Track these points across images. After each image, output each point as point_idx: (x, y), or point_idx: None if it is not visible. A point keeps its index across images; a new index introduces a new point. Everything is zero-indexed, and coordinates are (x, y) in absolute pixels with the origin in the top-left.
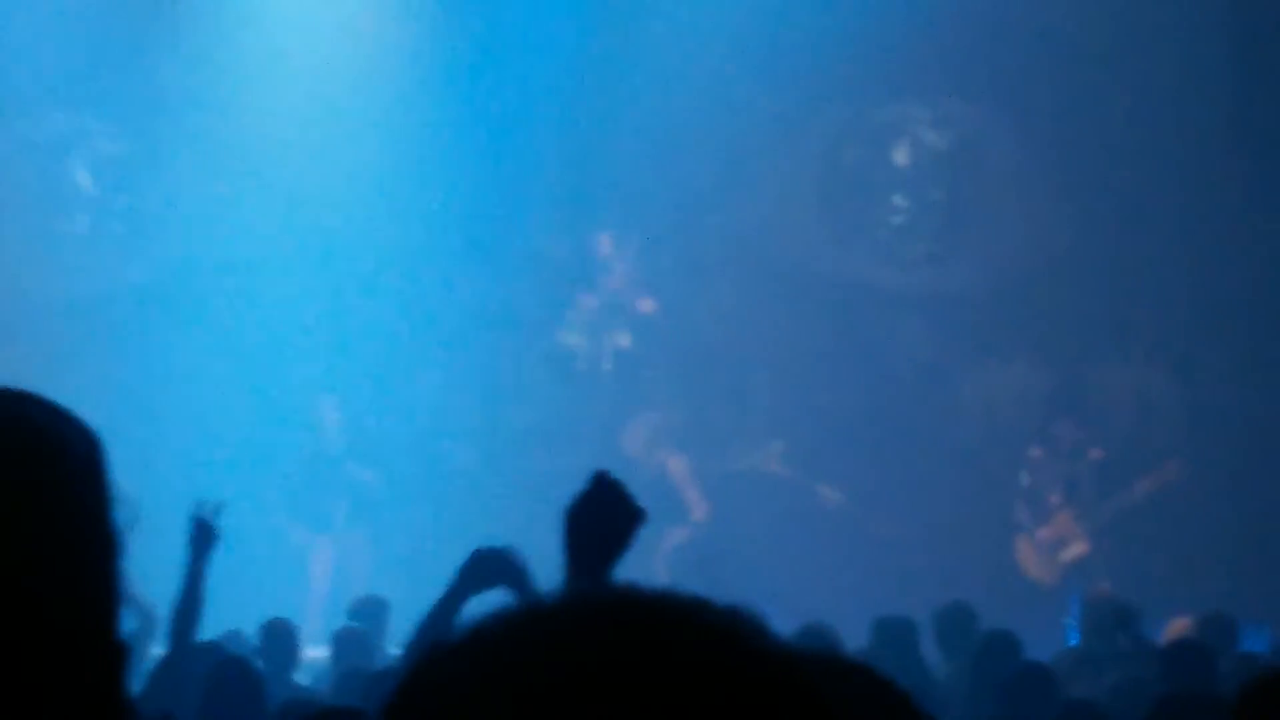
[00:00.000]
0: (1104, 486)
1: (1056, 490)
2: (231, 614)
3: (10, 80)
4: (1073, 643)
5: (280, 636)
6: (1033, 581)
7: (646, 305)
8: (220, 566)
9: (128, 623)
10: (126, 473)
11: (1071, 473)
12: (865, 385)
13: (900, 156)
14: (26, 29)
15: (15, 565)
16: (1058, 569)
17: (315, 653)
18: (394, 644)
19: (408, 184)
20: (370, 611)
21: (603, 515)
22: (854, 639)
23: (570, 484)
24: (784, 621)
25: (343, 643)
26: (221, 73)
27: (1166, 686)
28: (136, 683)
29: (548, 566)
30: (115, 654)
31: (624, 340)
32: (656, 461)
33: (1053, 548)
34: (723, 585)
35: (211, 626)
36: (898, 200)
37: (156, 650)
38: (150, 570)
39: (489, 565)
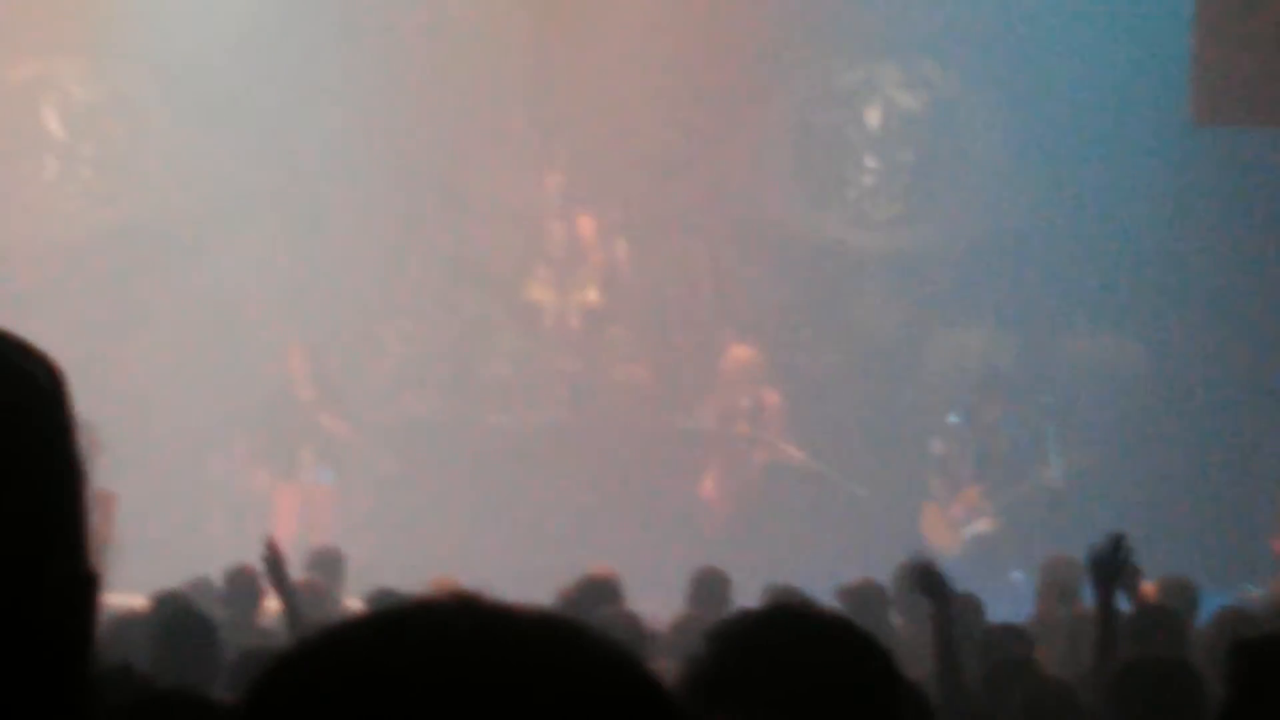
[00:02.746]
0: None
1: (968, 463)
2: (199, 560)
3: None
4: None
5: (243, 584)
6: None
7: (616, 262)
8: (186, 513)
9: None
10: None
11: (988, 445)
12: (834, 345)
13: (872, 117)
14: None
15: None
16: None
17: (273, 603)
18: (349, 596)
19: (379, 132)
20: (327, 563)
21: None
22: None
23: (536, 440)
24: (749, 580)
25: (299, 594)
26: (192, 17)
27: (1135, 651)
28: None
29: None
30: (83, 583)
31: (592, 296)
32: (623, 415)
33: (961, 521)
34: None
35: (176, 574)
36: (869, 161)
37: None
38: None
39: (923, 577)
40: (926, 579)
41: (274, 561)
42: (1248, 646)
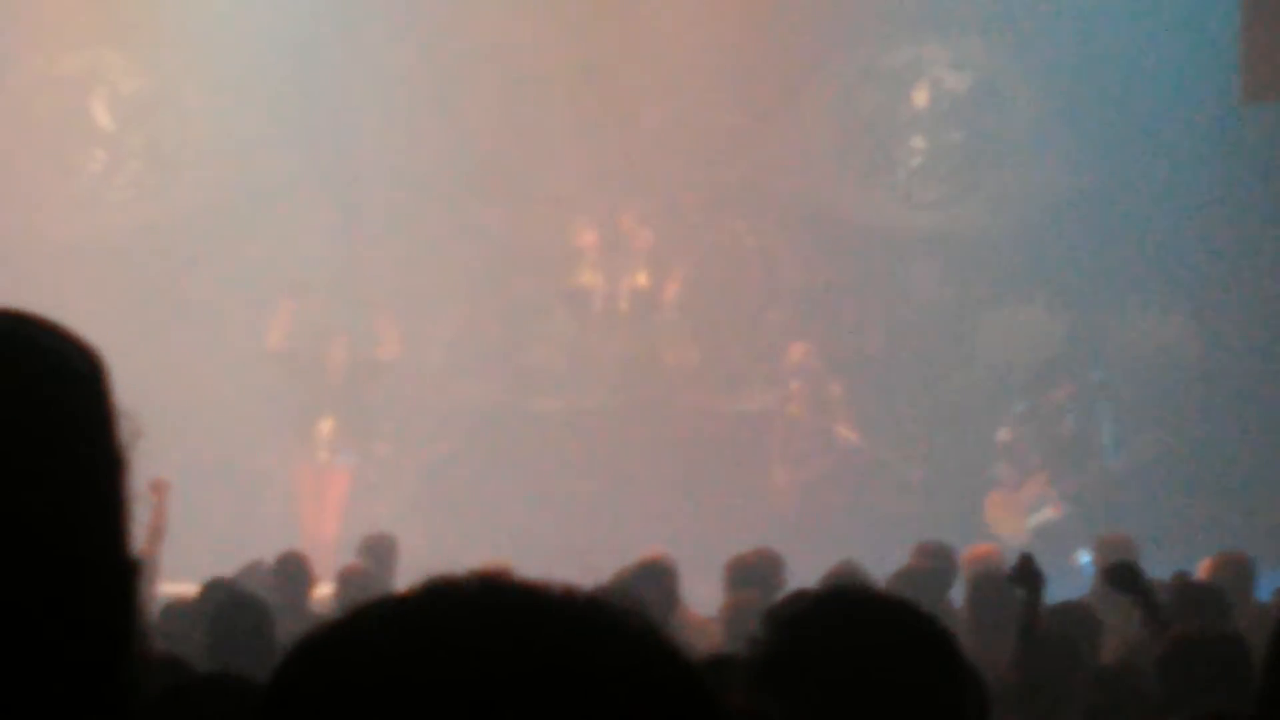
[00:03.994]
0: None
1: (1037, 448)
2: (251, 548)
3: (30, 17)
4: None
5: (294, 570)
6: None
7: (664, 246)
8: (236, 501)
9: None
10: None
11: (1055, 431)
12: (884, 327)
13: (919, 98)
14: None
15: (19, 481)
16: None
17: (324, 589)
18: (400, 582)
19: (429, 120)
20: (378, 549)
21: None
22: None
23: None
24: (802, 561)
25: (348, 581)
26: (238, 9)
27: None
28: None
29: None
30: (125, 570)
31: (641, 280)
32: (675, 399)
33: (1029, 508)
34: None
35: (227, 561)
36: (917, 142)
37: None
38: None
39: (1021, 566)
40: (1025, 569)
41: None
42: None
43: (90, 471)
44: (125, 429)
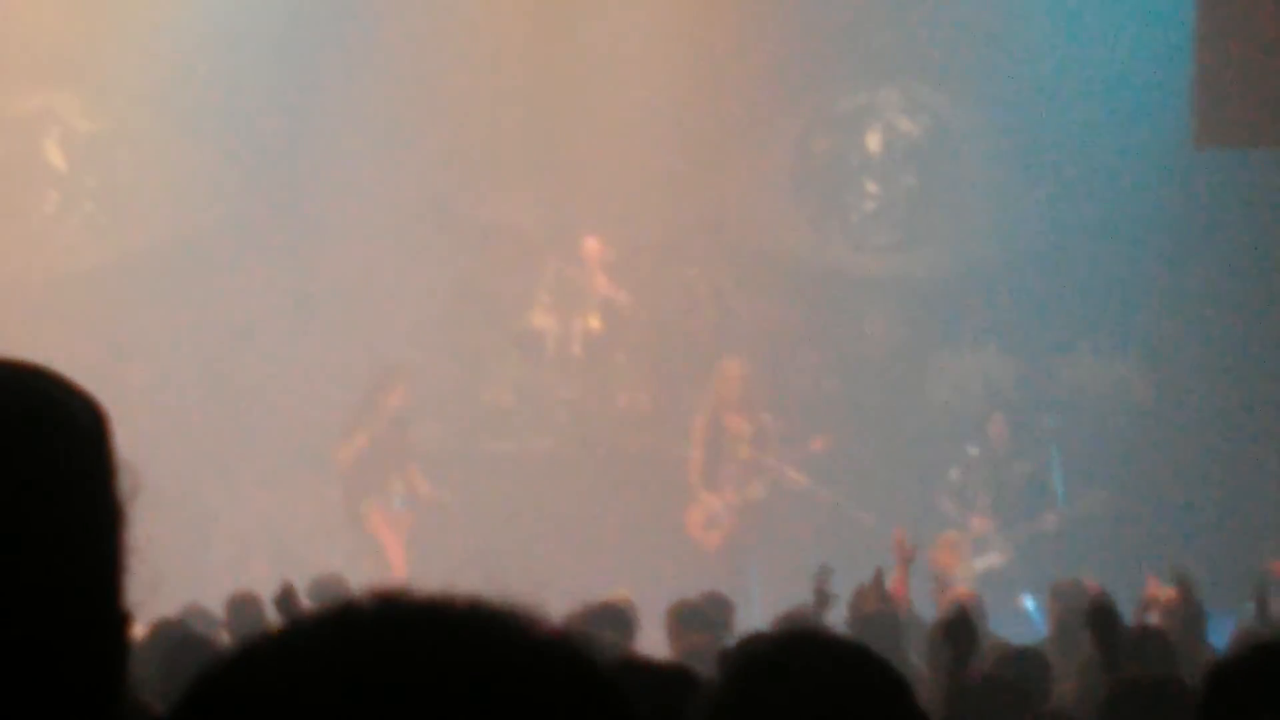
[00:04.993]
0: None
1: (986, 491)
2: (196, 588)
3: None
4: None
5: (245, 610)
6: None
7: (617, 288)
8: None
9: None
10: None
11: (1002, 477)
12: (836, 370)
13: (873, 142)
14: (2, 7)
15: (19, 532)
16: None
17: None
18: None
19: (382, 162)
20: (327, 591)
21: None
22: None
23: (537, 464)
24: (751, 606)
25: None
26: (193, 48)
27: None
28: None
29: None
30: (118, 622)
31: (594, 322)
32: (627, 443)
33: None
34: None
35: (175, 601)
36: (870, 186)
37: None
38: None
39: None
40: (957, 627)
41: (287, 601)
42: (1215, 671)
43: (91, 524)
44: (125, 482)
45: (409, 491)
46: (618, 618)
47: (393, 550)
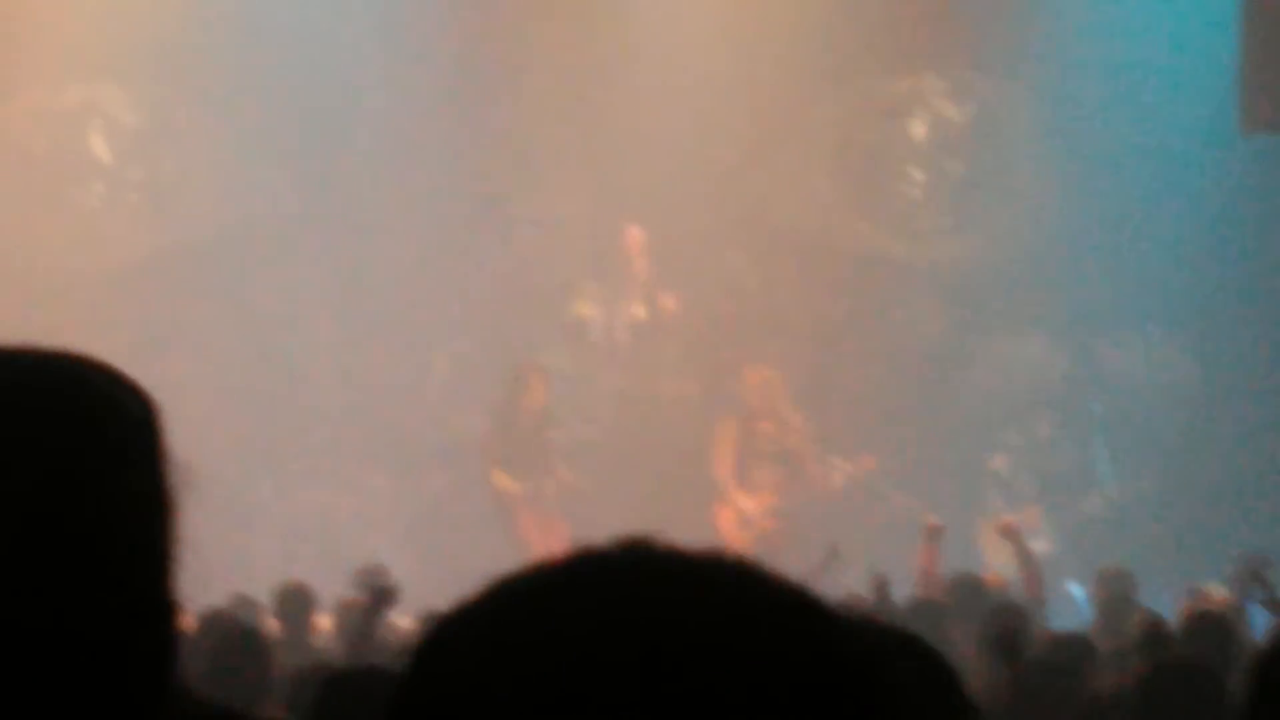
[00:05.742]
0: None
1: (1032, 479)
2: (246, 581)
3: (28, 50)
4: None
5: (295, 601)
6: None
7: (660, 278)
8: (236, 532)
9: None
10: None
11: (1048, 464)
12: (882, 358)
13: (918, 129)
14: (46, 1)
15: (70, 522)
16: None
17: (325, 619)
18: (396, 613)
19: (425, 151)
20: (375, 583)
21: None
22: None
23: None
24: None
25: (346, 614)
26: (237, 42)
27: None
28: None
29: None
30: (167, 612)
31: (640, 311)
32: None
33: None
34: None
35: (222, 592)
36: (914, 173)
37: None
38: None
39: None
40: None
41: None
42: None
43: (141, 515)
44: (175, 474)
45: (556, 489)
46: None
47: (540, 552)
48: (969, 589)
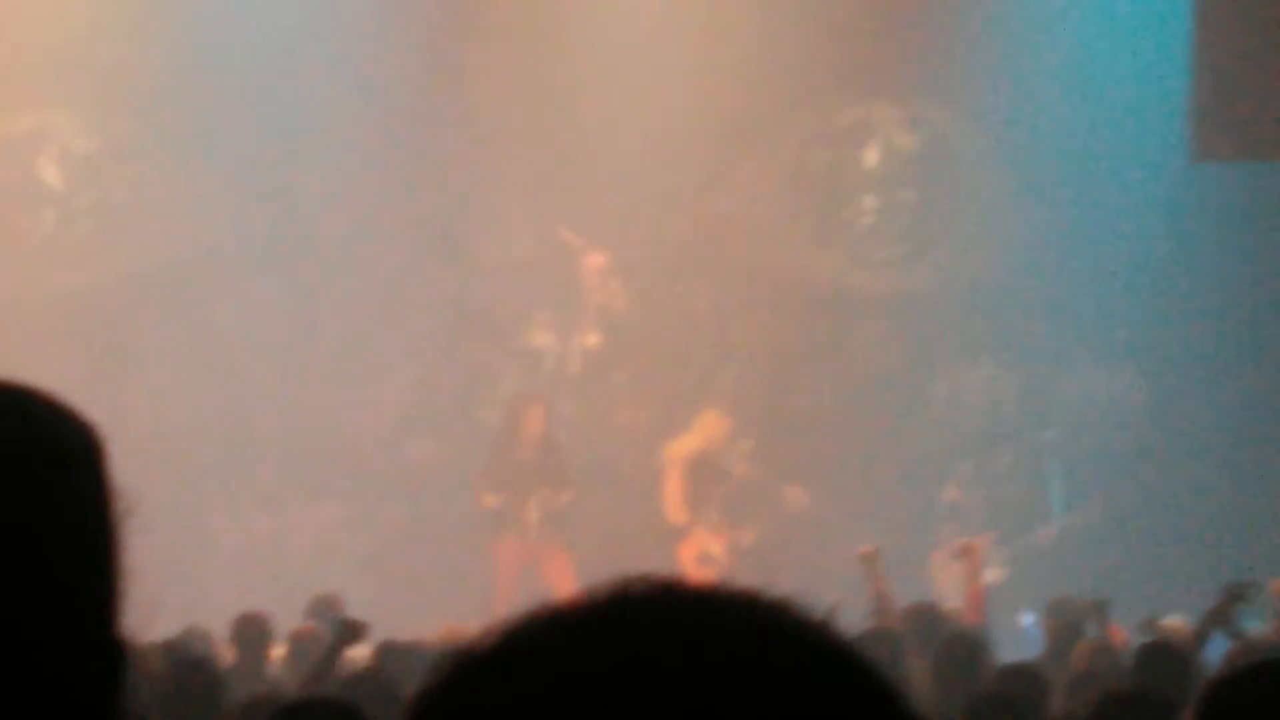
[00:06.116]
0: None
1: (980, 511)
2: (195, 611)
3: None
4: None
5: (252, 630)
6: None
7: (616, 306)
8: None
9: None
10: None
11: (1000, 494)
12: (834, 386)
13: (870, 157)
14: None
15: (12, 559)
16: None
17: (279, 649)
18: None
19: (379, 178)
20: (326, 610)
21: None
22: None
23: None
24: None
25: (300, 642)
26: (188, 66)
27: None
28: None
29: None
30: (112, 651)
31: (593, 340)
32: (625, 458)
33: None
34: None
35: (176, 622)
36: (867, 201)
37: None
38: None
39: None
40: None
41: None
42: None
43: (82, 551)
44: (119, 506)
45: (548, 512)
46: None
47: (504, 583)
48: (924, 618)
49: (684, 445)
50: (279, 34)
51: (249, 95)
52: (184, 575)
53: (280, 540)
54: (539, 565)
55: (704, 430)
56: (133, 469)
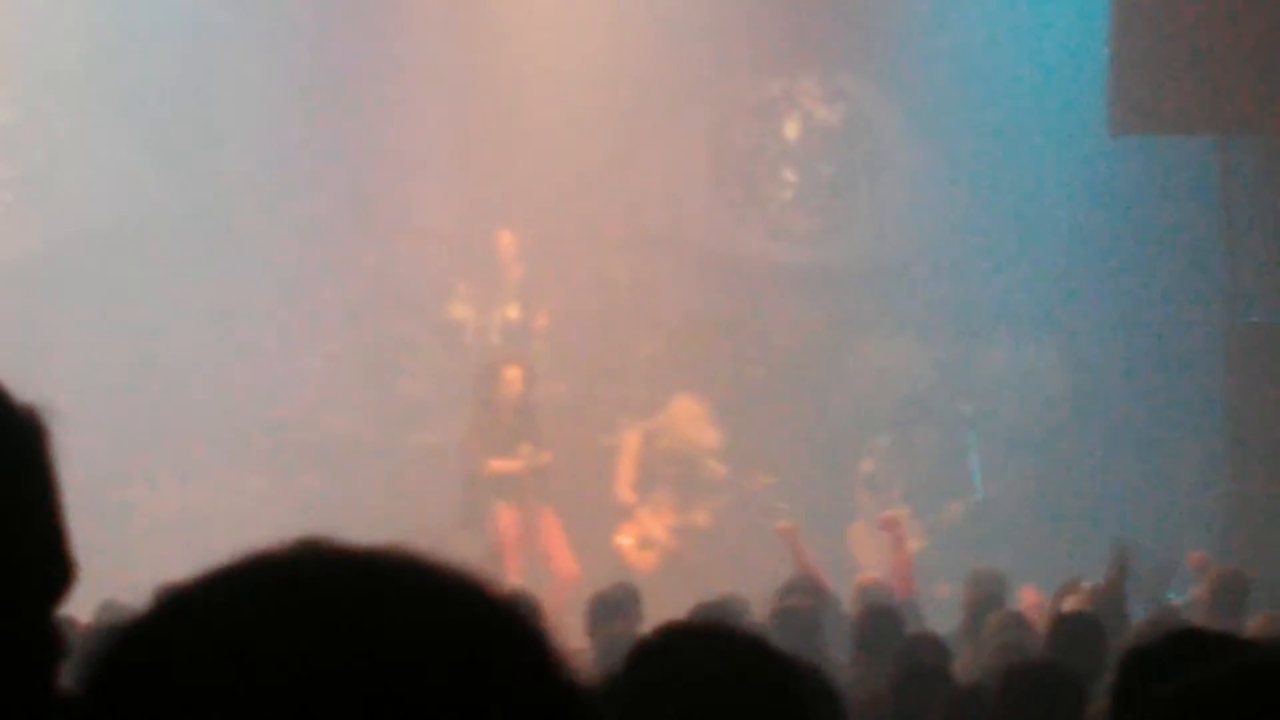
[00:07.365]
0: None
1: (897, 483)
2: (118, 584)
3: None
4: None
5: None
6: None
7: (536, 279)
8: (99, 532)
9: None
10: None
11: (917, 467)
12: (754, 358)
13: (790, 130)
14: None
15: None
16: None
17: None
18: None
19: (300, 151)
20: None
21: None
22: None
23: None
24: (680, 598)
25: None
26: (107, 37)
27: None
28: None
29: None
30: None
31: (512, 313)
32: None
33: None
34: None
35: (94, 594)
36: (788, 175)
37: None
38: None
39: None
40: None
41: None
42: (1129, 654)
43: (25, 539)
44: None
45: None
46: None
47: (510, 552)
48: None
49: (650, 426)
50: (197, 10)
51: (168, 69)
52: (101, 547)
53: (199, 511)
54: (532, 528)
55: (674, 414)
56: (54, 438)
